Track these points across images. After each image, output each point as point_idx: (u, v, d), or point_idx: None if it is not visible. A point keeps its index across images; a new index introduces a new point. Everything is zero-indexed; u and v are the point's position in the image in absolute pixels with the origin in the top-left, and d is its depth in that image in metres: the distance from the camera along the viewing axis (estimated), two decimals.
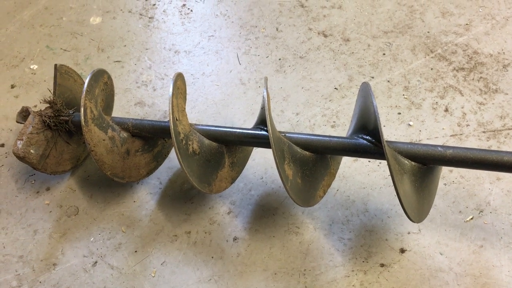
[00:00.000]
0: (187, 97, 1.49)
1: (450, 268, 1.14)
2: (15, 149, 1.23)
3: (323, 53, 1.57)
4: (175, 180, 1.36)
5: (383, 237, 1.20)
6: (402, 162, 1.01)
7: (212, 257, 1.22)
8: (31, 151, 1.24)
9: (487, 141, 1.32)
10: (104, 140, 1.18)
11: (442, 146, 1.00)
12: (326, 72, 1.52)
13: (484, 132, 1.34)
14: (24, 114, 1.35)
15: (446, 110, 1.39)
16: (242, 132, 1.14)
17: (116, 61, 1.64)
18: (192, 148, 1.12)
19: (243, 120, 1.45)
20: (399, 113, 1.41)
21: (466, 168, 1.01)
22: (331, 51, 1.57)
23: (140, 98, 1.54)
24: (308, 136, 1.09)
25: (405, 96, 1.44)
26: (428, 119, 1.38)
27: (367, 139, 1.04)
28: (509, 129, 1.33)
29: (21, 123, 1.35)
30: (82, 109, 1.13)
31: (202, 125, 1.19)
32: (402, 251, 1.17)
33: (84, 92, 1.15)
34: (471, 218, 1.21)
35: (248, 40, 1.64)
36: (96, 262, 1.24)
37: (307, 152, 1.09)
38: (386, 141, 1.03)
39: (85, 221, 1.31)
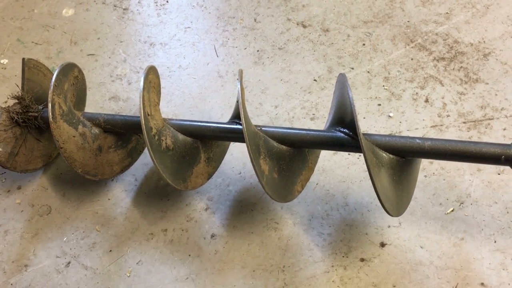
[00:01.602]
0: (163, 90, 1.45)
1: (430, 261, 1.12)
2: None
3: (302, 44, 1.54)
4: (151, 176, 1.32)
5: (363, 231, 1.18)
6: (379, 155, 0.98)
7: (189, 255, 1.18)
8: None
9: (468, 131, 1.30)
10: (74, 136, 1.14)
11: (420, 138, 0.98)
12: (305, 63, 1.49)
13: (464, 122, 1.32)
14: None
15: (427, 101, 1.37)
16: (216, 126, 1.10)
17: (90, 55, 1.59)
18: (166, 143, 1.08)
19: (220, 113, 1.41)
20: (379, 105, 1.38)
21: (445, 160, 0.99)
22: (310, 42, 1.54)
23: (115, 93, 1.49)
24: (285, 130, 1.06)
25: (385, 87, 1.41)
26: (409, 110, 1.36)
27: (344, 132, 1.01)
28: (489, 119, 1.32)
29: None
30: (49, 105, 1.09)
31: (176, 119, 1.15)
32: (382, 245, 1.15)
33: (52, 87, 1.10)
34: (452, 210, 1.19)
35: (226, 32, 1.61)
36: (69, 263, 1.20)
37: (283, 146, 1.06)
38: (364, 134, 1.00)
39: (58, 221, 1.27)
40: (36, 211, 1.29)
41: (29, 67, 1.28)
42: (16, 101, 1.26)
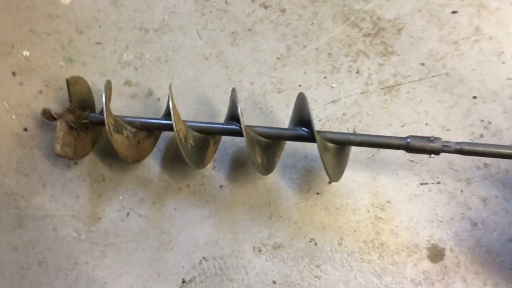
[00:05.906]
0: (164, 74, 1.92)
1: (358, 189, 1.82)
2: (56, 151, 1.68)
3: (265, 25, 1.99)
4: (170, 146, 1.88)
5: (318, 174, 1.83)
6: (327, 145, 1.60)
7: (207, 201, 1.83)
8: (67, 149, 1.70)
9: (384, 95, 1.90)
10: (123, 141, 1.66)
11: (353, 134, 1.59)
12: (269, 43, 1.97)
13: (382, 89, 1.91)
14: (46, 115, 1.75)
15: (358, 72, 1.93)
16: (222, 127, 1.65)
17: (97, 43, 1.98)
18: (190, 144, 1.64)
19: (211, 91, 1.91)
20: (325, 77, 1.93)
21: (367, 147, 1.62)
22: (271, 23, 1.99)
23: (126, 78, 1.94)
24: (268, 129, 1.64)
25: (329, 62, 1.94)
26: (345, 80, 1.92)
27: (305, 131, 1.60)
28: (399, 84, 1.91)
29: (45, 121, 1.76)
30: (106, 126, 1.59)
31: (191, 122, 1.68)
32: (330, 182, 1.83)
33: (106, 113, 1.59)
34: (372, 155, 1.85)
35: (204, 15, 2.01)
36: (128, 213, 1.82)
37: (267, 140, 1.65)
38: (317, 131, 1.60)
39: (112, 185, 1.85)
40: (94, 179, 1.86)
41: (72, 84, 1.71)
42: (66, 110, 1.72)
